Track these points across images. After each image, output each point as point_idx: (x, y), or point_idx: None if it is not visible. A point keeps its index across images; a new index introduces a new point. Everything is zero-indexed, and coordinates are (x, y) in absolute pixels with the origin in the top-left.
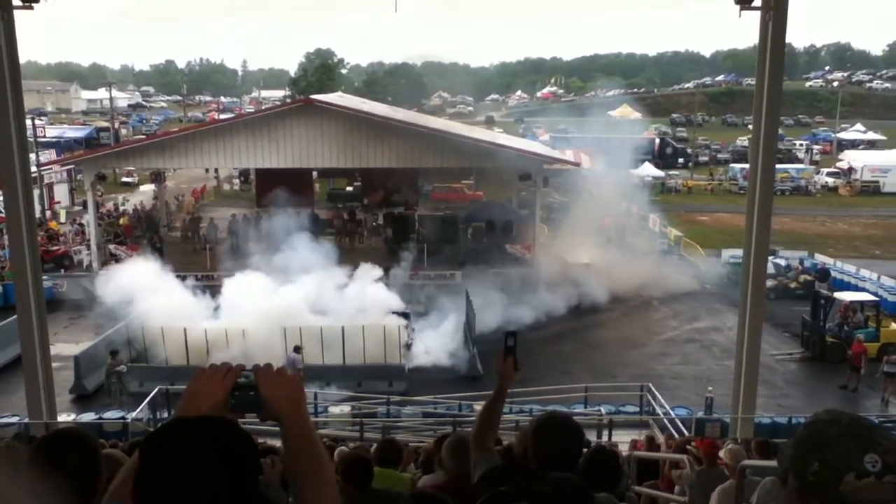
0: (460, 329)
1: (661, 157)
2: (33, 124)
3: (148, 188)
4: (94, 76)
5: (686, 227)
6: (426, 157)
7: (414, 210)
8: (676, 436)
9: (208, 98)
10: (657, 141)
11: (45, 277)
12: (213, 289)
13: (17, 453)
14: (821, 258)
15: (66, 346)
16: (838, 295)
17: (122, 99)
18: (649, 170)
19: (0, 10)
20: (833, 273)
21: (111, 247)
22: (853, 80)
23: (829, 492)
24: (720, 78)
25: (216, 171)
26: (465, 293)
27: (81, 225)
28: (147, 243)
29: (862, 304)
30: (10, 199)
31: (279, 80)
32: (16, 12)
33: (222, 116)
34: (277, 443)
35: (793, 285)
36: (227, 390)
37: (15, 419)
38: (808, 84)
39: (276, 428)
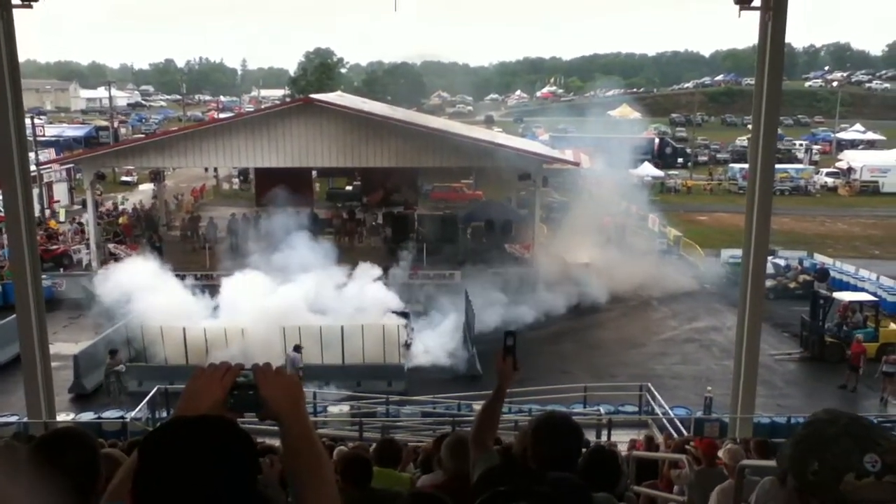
0: (459, 329)
1: (661, 156)
2: (32, 123)
3: (147, 187)
4: (94, 75)
5: (685, 226)
6: (425, 157)
7: (413, 209)
8: (675, 435)
9: (208, 97)
10: (656, 141)
11: (44, 276)
12: (212, 288)
13: (16, 453)
14: (820, 258)
15: (65, 346)
16: (837, 295)
17: (122, 98)
18: (649, 169)
19: None
20: (832, 273)
21: (110, 246)
22: (852, 80)
23: (829, 491)
24: (719, 78)
25: (215, 170)
26: (465, 293)
27: (81, 224)
28: (146, 242)
29: (861, 304)
30: (10, 198)
31: (278, 79)
32: (15, 11)
33: (222, 116)
34: (276, 442)
35: (792, 285)
36: (226, 390)
37: (14, 418)
38: (807, 84)
39: (276, 427)
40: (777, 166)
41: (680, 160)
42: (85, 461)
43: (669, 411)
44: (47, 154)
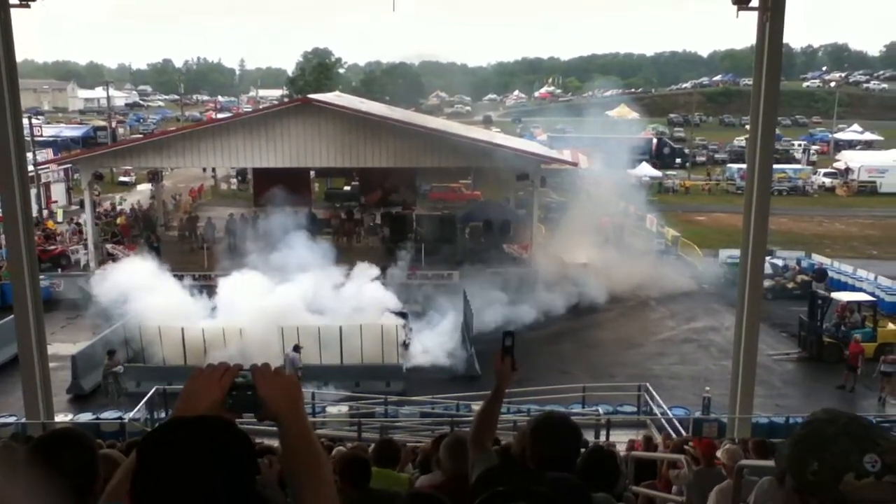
0: (458, 329)
1: (659, 157)
2: (30, 123)
3: (145, 187)
4: (92, 75)
5: (683, 227)
6: (424, 157)
7: (411, 209)
8: (674, 436)
9: (206, 97)
10: (654, 141)
11: (42, 277)
12: (210, 288)
13: (15, 453)
14: (818, 258)
15: (63, 346)
16: (835, 295)
17: (120, 98)
18: (647, 170)
19: None
20: (830, 273)
21: (108, 246)
22: (850, 80)
23: (828, 491)
24: (717, 78)
25: (213, 170)
26: (463, 293)
27: (78, 224)
28: (144, 243)
29: (859, 304)
30: (7, 198)
31: (277, 79)
32: (13, 10)
33: (220, 116)
34: (275, 443)
35: (790, 285)
36: (224, 390)
37: (12, 419)
38: (805, 84)
39: (274, 428)
40: (775, 166)
41: (678, 160)
42: (83, 462)
43: (668, 411)
44: (45, 154)
